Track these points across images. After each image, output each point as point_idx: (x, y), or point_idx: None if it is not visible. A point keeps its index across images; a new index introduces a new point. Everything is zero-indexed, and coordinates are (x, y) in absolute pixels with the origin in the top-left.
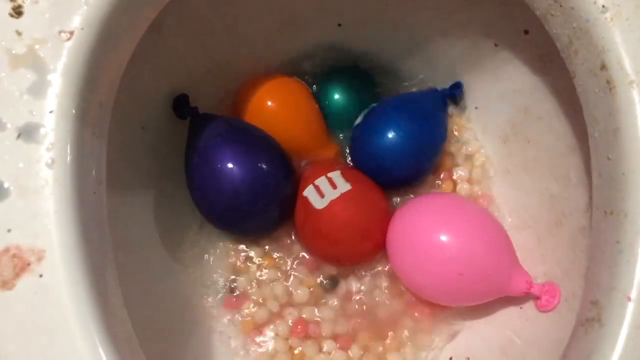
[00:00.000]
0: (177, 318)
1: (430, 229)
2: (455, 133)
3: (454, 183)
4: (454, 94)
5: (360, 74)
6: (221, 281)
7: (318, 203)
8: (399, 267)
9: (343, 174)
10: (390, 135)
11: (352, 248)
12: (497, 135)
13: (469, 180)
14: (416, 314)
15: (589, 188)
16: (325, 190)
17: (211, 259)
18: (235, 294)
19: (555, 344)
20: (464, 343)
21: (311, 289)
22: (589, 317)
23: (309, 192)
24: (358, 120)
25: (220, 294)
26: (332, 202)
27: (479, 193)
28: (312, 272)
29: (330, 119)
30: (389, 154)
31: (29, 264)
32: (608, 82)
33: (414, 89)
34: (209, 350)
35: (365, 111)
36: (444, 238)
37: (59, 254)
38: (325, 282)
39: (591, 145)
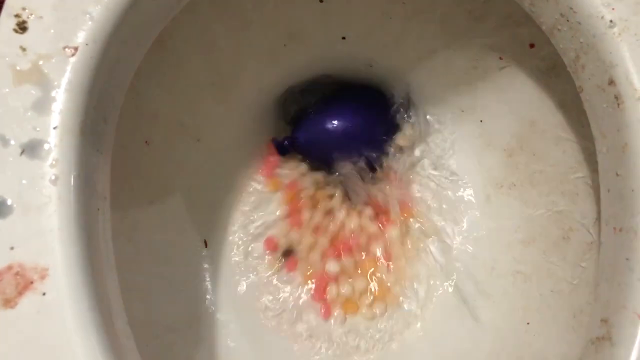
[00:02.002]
0: (181, 330)
1: None
2: None
3: None
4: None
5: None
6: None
7: None
8: None
9: None
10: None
11: None
12: (502, 148)
13: None
14: None
15: (597, 202)
16: None
17: (211, 278)
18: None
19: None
20: (470, 357)
21: None
22: (599, 336)
23: None
24: None
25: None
26: None
27: None
28: None
29: None
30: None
31: (32, 282)
32: (616, 97)
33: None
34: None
35: None
36: None
37: (63, 272)
38: None
39: (599, 161)
